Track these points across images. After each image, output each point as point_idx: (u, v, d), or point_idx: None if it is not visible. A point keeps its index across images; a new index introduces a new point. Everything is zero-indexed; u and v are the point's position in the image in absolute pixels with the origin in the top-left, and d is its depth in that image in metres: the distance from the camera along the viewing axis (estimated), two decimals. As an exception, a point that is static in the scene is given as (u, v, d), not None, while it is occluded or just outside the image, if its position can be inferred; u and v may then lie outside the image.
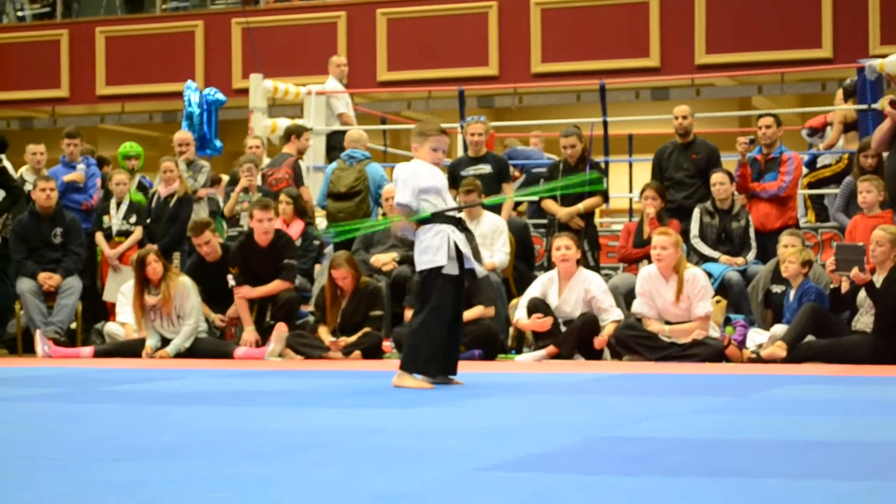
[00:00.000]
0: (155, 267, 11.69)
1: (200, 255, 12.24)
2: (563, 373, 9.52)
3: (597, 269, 12.29)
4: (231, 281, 11.98)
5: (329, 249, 13.14)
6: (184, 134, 14.58)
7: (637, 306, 11.03)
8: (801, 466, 4.34)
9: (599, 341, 11.03)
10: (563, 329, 11.12)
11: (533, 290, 11.32)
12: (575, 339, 11.01)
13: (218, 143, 15.66)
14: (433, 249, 7.67)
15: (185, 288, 11.76)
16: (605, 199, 13.10)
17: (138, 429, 5.68)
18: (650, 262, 11.20)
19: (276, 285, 11.82)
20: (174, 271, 11.93)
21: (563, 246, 11.19)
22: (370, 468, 4.29)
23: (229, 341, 12.00)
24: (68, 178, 13.91)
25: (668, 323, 10.90)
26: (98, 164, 15.00)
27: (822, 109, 14.91)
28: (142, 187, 14.07)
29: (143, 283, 11.73)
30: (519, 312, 11.29)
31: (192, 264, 12.36)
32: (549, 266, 11.77)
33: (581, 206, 12.56)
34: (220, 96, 15.97)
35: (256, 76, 15.92)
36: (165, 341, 11.74)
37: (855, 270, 10.38)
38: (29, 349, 12.77)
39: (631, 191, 15.82)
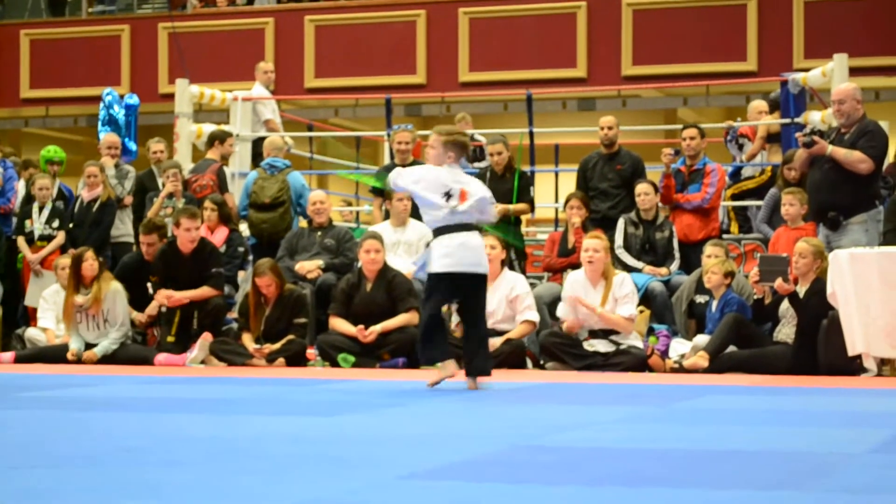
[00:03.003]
0: (92, 264, 11.66)
1: (135, 258, 12.22)
2: (485, 381, 9.52)
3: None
4: (150, 289, 11.90)
5: (252, 256, 13.09)
6: (111, 136, 14.47)
7: (561, 311, 11.06)
8: (722, 476, 4.38)
9: (510, 335, 11.07)
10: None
11: None
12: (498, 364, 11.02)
13: (133, 147, 15.54)
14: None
15: (116, 293, 11.70)
16: (532, 207, 13.15)
17: (58, 435, 5.63)
18: (574, 270, 11.25)
19: (204, 291, 11.75)
20: (108, 274, 11.86)
21: (489, 245, 11.18)
22: (293, 475, 4.28)
23: (151, 346, 11.90)
24: None
25: (591, 332, 10.94)
26: (24, 166, 14.86)
27: (747, 123, 15.02)
28: (60, 195, 13.89)
29: (76, 283, 11.66)
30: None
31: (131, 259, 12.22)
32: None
33: (511, 207, 12.60)
34: (135, 99, 15.87)
35: (182, 81, 15.83)
36: (88, 346, 11.64)
37: (779, 281, 10.48)
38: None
39: (556, 200, 15.87)
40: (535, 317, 11.20)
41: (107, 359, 11.57)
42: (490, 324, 11.18)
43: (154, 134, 16.19)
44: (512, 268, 12.23)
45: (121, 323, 11.69)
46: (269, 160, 13.63)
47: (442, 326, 8.43)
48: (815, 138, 11.29)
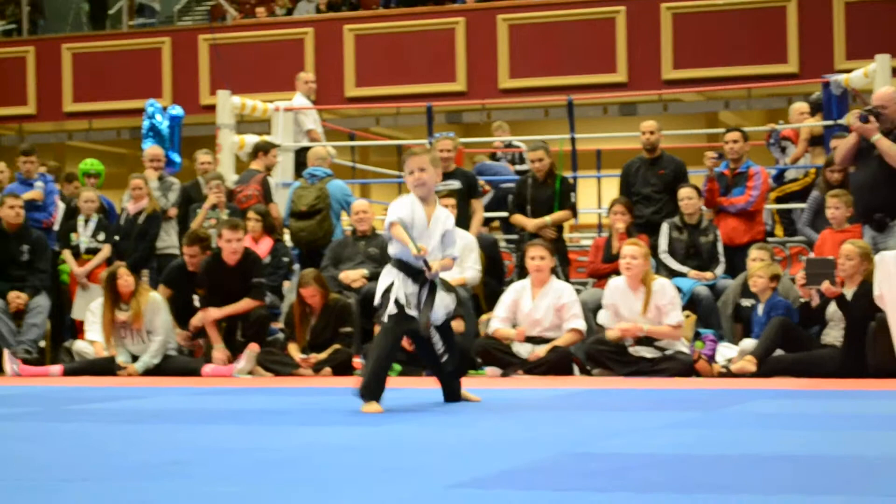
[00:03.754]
0: (127, 280, 11.70)
1: (183, 264, 12.27)
2: (533, 388, 9.52)
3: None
4: (197, 303, 11.95)
5: (298, 266, 13.13)
6: (155, 149, 14.53)
7: (602, 317, 11.04)
8: (772, 481, 4.36)
9: (557, 343, 11.03)
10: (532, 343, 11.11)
11: (506, 298, 11.33)
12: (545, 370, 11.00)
13: (177, 159, 15.61)
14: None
15: (155, 304, 11.75)
16: (574, 213, 13.12)
17: (108, 448, 5.65)
18: (619, 276, 11.22)
19: (245, 304, 11.78)
20: (145, 287, 11.91)
21: (538, 255, 11.21)
22: (342, 486, 4.28)
23: (198, 358, 11.95)
24: (27, 196, 13.79)
25: (637, 338, 10.91)
26: (67, 179, 14.95)
27: (790, 126, 14.96)
28: (101, 208, 13.95)
29: (114, 299, 11.71)
30: (494, 323, 11.29)
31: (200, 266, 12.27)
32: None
33: (549, 219, 12.58)
34: (180, 111, 15.95)
35: (224, 92, 15.90)
36: (135, 359, 11.71)
37: (826, 284, 10.42)
38: (-4, 368, 12.68)
39: (599, 206, 15.85)
40: (583, 325, 11.17)
41: (154, 370, 11.61)
42: (537, 332, 11.21)
43: (196, 145, 16.28)
44: (556, 275, 12.23)
45: (160, 334, 11.73)
46: (310, 169, 13.67)
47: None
48: (871, 118, 11.21)
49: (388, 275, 7.58)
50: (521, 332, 11.16)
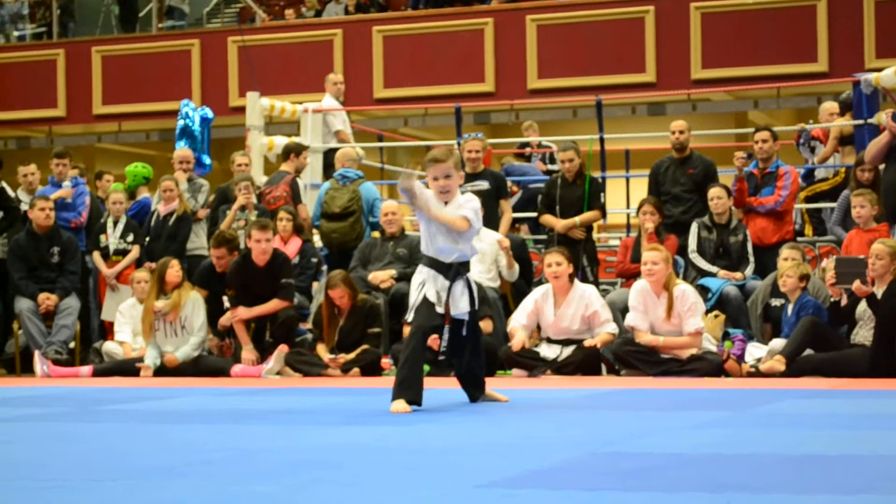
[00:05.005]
0: (178, 271, 11.93)
1: (212, 265, 12.32)
2: (561, 388, 9.52)
3: (595, 284, 12.27)
4: (226, 303, 11.99)
5: (326, 267, 13.15)
6: (184, 151, 14.57)
7: (630, 319, 11.01)
8: (802, 481, 4.35)
9: (589, 343, 11.01)
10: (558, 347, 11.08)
11: (527, 305, 11.26)
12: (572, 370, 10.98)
13: (207, 161, 15.65)
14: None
15: (195, 302, 11.86)
16: (603, 214, 13.10)
17: (137, 448, 5.68)
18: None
19: (273, 304, 11.80)
20: (188, 284, 11.99)
21: (554, 262, 11.13)
22: (372, 485, 4.29)
23: (227, 357, 11.98)
24: (56, 194, 13.87)
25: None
26: (97, 176, 15.03)
27: (819, 126, 14.91)
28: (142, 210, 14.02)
29: (159, 287, 11.82)
30: (514, 329, 11.25)
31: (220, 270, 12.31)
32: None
33: (577, 220, 12.56)
34: (209, 113, 15.99)
35: (253, 94, 15.93)
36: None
37: (857, 283, 10.39)
38: (27, 369, 12.75)
39: (628, 206, 15.83)
40: (615, 329, 11.14)
41: (184, 370, 11.66)
42: (564, 337, 11.18)
43: (225, 147, 16.33)
44: (585, 275, 12.21)
45: (199, 330, 11.81)
46: (341, 171, 13.67)
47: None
48: None
49: (419, 274, 7.62)
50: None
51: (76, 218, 14.00)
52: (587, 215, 12.64)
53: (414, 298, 7.61)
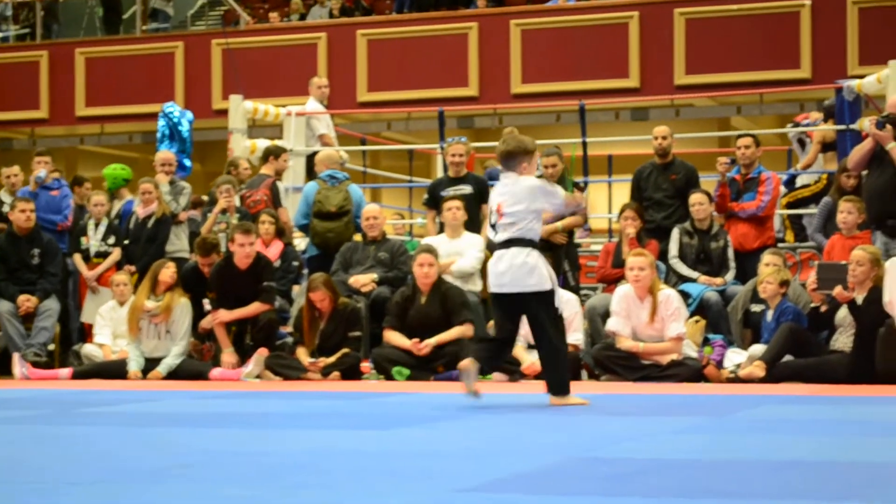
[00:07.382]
0: (173, 273, 11.89)
1: (195, 267, 12.28)
2: (541, 393, 9.51)
3: (576, 289, 12.27)
4: (207, 305, 11.97)
5: (307, 271, 13.12)
6: (166, 153, 14.53)
7: (612, 324, 11.00)
8: (780, 487, 4.35)
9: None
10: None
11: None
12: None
13: (188, 163, 15.61)
14: (537, 273, 7.79)
15: (184, 308, 11.83)
16: (585, 220, 13.10)
17: (117, 451, 5.65)
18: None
19: (255, 307, 11.79)
20: (180, 290, 11.95)
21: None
22: (349, 490, 4.28)
23: (207, 361, 11.96)
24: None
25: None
26: (78, 182, 14.98)
27: (801, 129, 14.95)
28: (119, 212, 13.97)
29: (152, 288, 11.81)
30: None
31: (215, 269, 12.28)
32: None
33: (560, 225, 12.55)
34: (190, 115, 15.94)
35: (236, 97, 15.91)
36: (149, 362, 11.71)
37: (838, 289, 10.41)
38: (5, 371, 12.70)
39: (610, 211, 15.84)
40: (579, 339, 11.15)
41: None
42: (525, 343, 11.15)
43: (207, 150, 16.29)
44: (566, 280, 12.20)
45: (182, 338, 11.78)
46: (328, 172, 13.59)
47: (492, 343, 8.32)
48: (889, 126, 11.20)
49: (540, 258, 7.89)
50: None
51: (63, 221, 13.97)
52: (568, 220, 12.63)
53: (550, 285, 7.82)
